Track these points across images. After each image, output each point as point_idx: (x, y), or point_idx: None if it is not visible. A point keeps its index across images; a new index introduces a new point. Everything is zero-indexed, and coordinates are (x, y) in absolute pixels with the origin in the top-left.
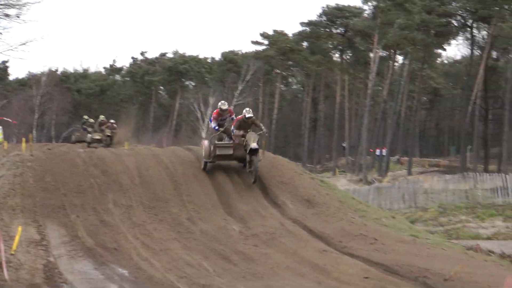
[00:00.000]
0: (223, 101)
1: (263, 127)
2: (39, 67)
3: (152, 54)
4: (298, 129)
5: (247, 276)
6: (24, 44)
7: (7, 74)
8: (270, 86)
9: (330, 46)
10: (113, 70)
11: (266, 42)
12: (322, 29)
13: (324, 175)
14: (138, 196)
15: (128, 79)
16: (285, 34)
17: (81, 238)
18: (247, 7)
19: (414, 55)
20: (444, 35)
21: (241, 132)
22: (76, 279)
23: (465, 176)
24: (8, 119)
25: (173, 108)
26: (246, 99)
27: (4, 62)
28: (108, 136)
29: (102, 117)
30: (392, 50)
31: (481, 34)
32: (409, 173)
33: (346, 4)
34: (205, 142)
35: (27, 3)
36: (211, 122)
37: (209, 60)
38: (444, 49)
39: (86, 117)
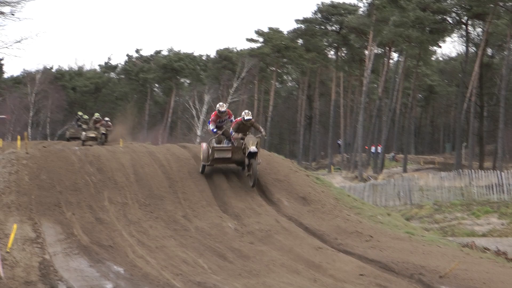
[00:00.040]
0: (221, 103)
1: (262, 130)
2: (34, 65)
3: (147, 52)
4: (293, 127)
5: (243, 273)
6: (19, 42)
7: (1, 72)
8: (265, 84)
9: (325, 43)
10: (108, 67)
11: (261, 39)
12: (317, 26)
13: (319, 172)
14: (133, 194)
15: (123, 76)
16: (280, 32)
17: (76, 236)
18: (242, 5)
19: (409, 52)
20: (439, 32)
21: (240, 135)
22: (71, 277)
23: (460, 173)
24: (2, 116)
25: (168, 105)
26: (241, 96)
27: None
28: (103, 134)
29: (97, 115)
30: (387, 47)
31: (476, 31)
32: (405, 170)
33: (341, 1)
34: (203, 145)
35: (22, 0)
36: (209, 124)
37: (204, 58)
38: (439, 46)
39: (80, 113)
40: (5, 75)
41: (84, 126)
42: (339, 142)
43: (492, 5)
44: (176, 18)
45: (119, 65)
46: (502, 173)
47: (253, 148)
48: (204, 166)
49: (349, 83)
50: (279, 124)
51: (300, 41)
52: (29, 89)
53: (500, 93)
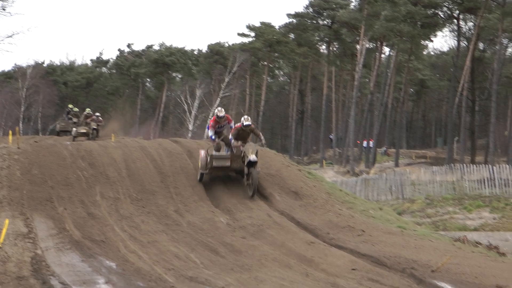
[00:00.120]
0: (219, 108)
1: (262, 137)
2: (25, 60)
3: (138, 46)
4: (285, 121)
5: (235, 268)
6: (10, 36)
7: None
8: (257, 78)
9: (317, 38)
10: (99, 62)
11: (252, 34)
12: (308, 21)
13: (311, 167)
14: (125, 189)
15: (114, 71)
16: (272, 26)
17: (68, 231)
18: None
19: (401, 46)
20: (431, 27)
21: (240, 143)
22: (63, 272)
23: (452, 167)
24: None
25: (160, 100)
26: (233, 91)
27: None
28: (94, 129)
29: (88, 110)
30: (378, 42)
31: (468, 25)
32: (396, 165)
33: None
34: (202, 153)
35: None
36: (208, 130)
37: (195, 52)
38: (431, 41)
39: (71, 106)
40: None
41: (75, 120)
42: (331, 136)
43: None
44: (167, 12)
45: (111, 59)
46: (494, 167)
47: (253, 157)
48: (202, 174)
49: (340, 77)
50: (270, 118)
51: (291, 35)
52: (20, 84)
53: (492, 87)
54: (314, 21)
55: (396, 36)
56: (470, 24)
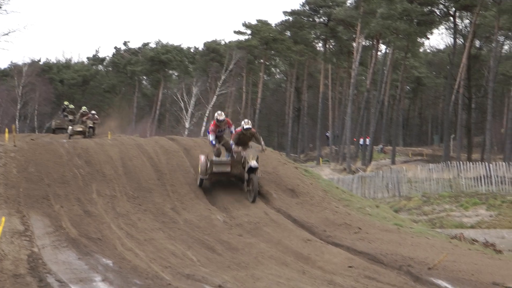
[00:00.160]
0: (219, 112)
1: (263, 143)
2: (21, 58)
3: (135, 44)
4: (282, 119)
5: (232, 265)
6: (6, 34)
7: None
8: (253, 76)
9: (313, 35)
10: (96, 60)
11: (248, 31)
12: (305, 19)
13: (308, 165)
14: (122, 186)
15: (111, 69)
16: (268, 24)
17: (65, 229)
18: None
19: (397, 44)
20: (427, 24)
21: (240, 148)
22: (60, 270)
23: (449, 165)
24: None
25: (156, 98)
26: (229, 88)
27: None
28: (91, 127)
29: (84, 108)
30: (375, 40)
31: (464, 23)
32: (393, 162)
33: None
34: (202, 158)
35: None
36: (209, 134)
37: (191, 50)
38: (427, 38)
39: (66, 103)
40: None
41: (70, 117)
42: (327, 134)
43: None
44: (163, 10)
45: (107, 57)
46: (490, 165)
47: (253, 163)
48: (202, 180)
49: (337, 75)
50: (267, 116)
51: (288, 33)
52: (16, 82)
53: (488, 85)
54: (311, 19)
55: (393, 33)
56: (466, 21)
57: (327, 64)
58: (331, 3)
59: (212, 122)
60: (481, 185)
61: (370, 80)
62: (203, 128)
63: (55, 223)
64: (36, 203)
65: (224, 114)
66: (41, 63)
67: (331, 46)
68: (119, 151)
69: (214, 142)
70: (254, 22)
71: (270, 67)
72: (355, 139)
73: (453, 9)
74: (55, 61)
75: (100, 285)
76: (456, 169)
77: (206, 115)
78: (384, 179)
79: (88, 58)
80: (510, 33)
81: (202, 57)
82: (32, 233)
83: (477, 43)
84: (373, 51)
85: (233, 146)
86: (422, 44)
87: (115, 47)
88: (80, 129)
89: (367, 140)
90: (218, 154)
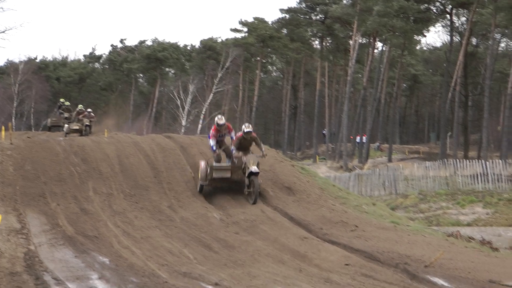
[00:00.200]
0: (219, 116)
1: (263, 148)
2: (18, 55)
3: (131, 42)
4: (278, 117)
5: (228, 263)
6: (3, 32)
7: None
8: (250, 74)
9: (310, 33)
10: (92, 58)
11: (245, 29)
12: (301, 16)
13: (304, 162)
14: (118, 184)
15: (107, 66)
16: (265, 21)
17: (61, 226)
18: None
19: (394, 42)
20: (423, 22)
21: (241, 153)
22: (56, 267)
23: (445, 162)
24: None
25: (153, 95)
26: (226, 86)
27: None
28: (87, 125)
29: (80, 106)
30: (371, 37)
31: (461, 20)
32: (390, 160)
33: None
34: (202, 163)
35: None
36: (209, 139)
37: (188, 48)
38: (424, 36)
39: (62, 100)
40: None
41: (66, 115)
42: (324, 132)
43: None
44: (160, 8)
45: (104, 55)
46: (487, 163)
47: (254, 168)
48: (202, 186)
49: (334, 73)
50: (264, 114)
51: (284, 31)
52: (12, 80)
53: (485, 83)
54: (307, 16)
55: (389, 31)
56: (463, 19)
57: (323, 61)
58: (327, 1)
59: (213, 127)
60: (478, 183)
61: (366, 77)
62: (199, 126)
63: (51, 221)
64: (32, 201)
65: (224, 118)
66: (37, 60)
67: (327, 44)
68: (115, 149)
69: (214, 148)
70: (250, 19)
71: (267, 65)
72: (351, 137)
73: (450, 6)
74: (51, 59)
75: (96, 283)
76: (452, 167)
77: (203, 112)
78: (381, 177)
79: (84, 55)
80: (506, 31)
81: (199, 54)
82: (28, 231)
83: (474, 40)
84: (370, 49)
85: (234, 152)
86: (419, 42)
87: (112, 45)
88: (77, 127)
89: (364, 138)
90: (218, 160)
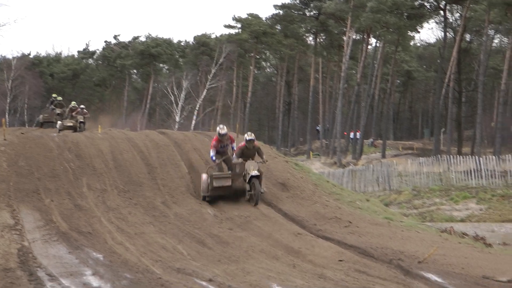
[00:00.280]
0: (221, 126)
1: (264, 157)
2: (11, 51)
3: (125, 38)
4: (272, 113)
5: (222, 259)
6: None
7: None
8: (244, 70)
9: (304, 29)
10: (86, 53)
11: (239, 25)
12: (295, 12)
13: (298, 158)
14: (112, 180)
15: (101, 62)
16: (258, 18)
17: (55, 222)
18: None
19: (387, 38)
20: (417, 18)
21: (241, 160)
22: (50, 264)
23: (439, 158)
24: None
25: (147, 91)
26: (220, 82)
27: None
28: (81, 122)
29: (73, 103)
30: (365, 33)
31: (454, 16)
32: (383, 156)
33: None
34: (203, 176)
35: None
36: (211, 150)
37: (182, 44)
38: (418, 32)
39: (55, 95)
40: None
41: (59, 111)
42: (318, 128)
43: None
44: (154, 4)
45: (97, 51)
46: (481, 159)
47: (254, 172)
48: (204, 198)
49: (327, 69)
50: (257, 110)
51: (278, 27)
52: (5, 75)
53: (478, 79)
54: (301, 13)
55: (383, 27)
56: (457, 15)
57: (317, 57)
58: None
59: (214, 137)
60: (471, 179)
61: (360, 74)
62: (193, 122)
63: (45, 217)
64: (26, 197)
65: (226, 128)
66: (31, 56)
67: (321, 40)
68: (109, 145)
69: (214, 158)
70: (244, 15)
71: (261, 61)
72: (345, 133)
73: (443, 2)
74: (45, 55)
75: (90, 279)
76: (446, 163)
77: (197, 108)
78: (375, 172)
79: (78, 51)
80: (500, 27)
81: (192, 50)
82: (22, 227)
83: (468, 36)
84: (364, 45)
85: (234, 159)
86: (413, 38)
87: (105, 41)
88: (71, 124)
89: (358, 134)
90: (219, 170)
